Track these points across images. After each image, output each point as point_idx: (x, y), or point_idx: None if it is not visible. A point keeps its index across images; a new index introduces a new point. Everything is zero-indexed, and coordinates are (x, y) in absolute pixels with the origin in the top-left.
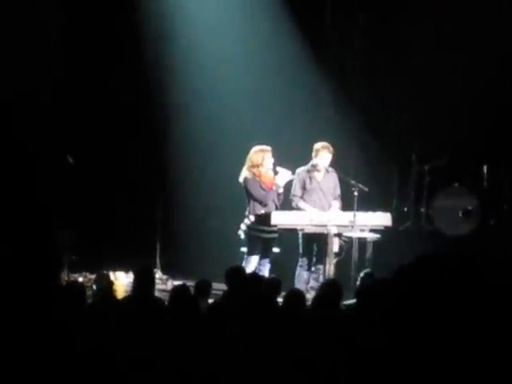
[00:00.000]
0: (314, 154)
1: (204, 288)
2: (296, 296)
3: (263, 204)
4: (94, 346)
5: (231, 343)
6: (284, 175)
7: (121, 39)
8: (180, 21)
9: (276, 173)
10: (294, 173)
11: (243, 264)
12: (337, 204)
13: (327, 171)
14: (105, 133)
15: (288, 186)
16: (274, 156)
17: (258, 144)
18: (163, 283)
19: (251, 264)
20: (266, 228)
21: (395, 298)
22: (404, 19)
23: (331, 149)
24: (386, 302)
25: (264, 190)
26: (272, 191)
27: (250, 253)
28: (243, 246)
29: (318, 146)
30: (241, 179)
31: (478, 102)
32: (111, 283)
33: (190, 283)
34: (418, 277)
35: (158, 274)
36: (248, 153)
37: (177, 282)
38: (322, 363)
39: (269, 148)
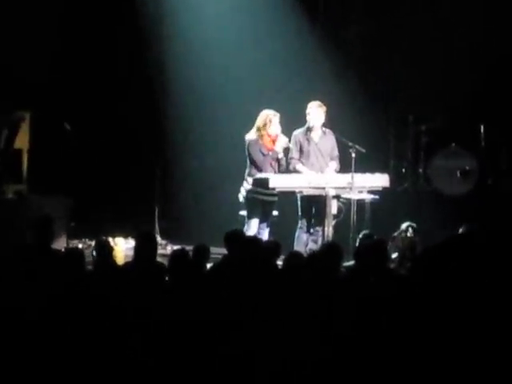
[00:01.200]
0: (307, 114)
1: (202, 252)
2: (296, 258)
3: (259, 169)
4: (94, 312)
5: (231, 306)
6: (281, 141)
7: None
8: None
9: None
10: (289, 138)
11: (245, 228)
12: (334, 165)
13: (324, 132)
14: (102, 98)
15: (287, 152)
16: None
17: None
18: (162, 248)
19: (252, 227)
20: (265, 191)
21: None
22: None
23: (324, 106)
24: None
25: (263, 153)
26: (270, 155)
27: (250, 216)
28: (242, 209)
29: (310, 105)
30: (246, 140)
31: (474, 62)
32: (111, 249)
33: (189, 248)
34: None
35: (157, 239)
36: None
37: (176, 247)
38: (322, 325)
39: (274, 113)
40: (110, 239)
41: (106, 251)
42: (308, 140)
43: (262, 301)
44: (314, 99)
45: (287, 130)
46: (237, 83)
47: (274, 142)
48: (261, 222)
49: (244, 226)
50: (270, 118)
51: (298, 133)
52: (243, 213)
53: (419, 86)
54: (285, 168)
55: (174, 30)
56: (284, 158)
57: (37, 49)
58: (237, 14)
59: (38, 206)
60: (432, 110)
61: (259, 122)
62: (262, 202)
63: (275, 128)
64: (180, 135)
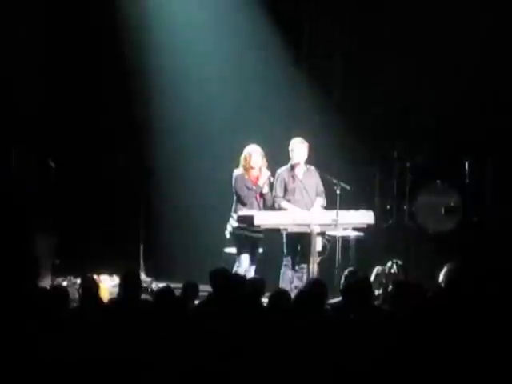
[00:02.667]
0: (290, 151)
1: (191, 290)
2: (281, 296)
3: (243, 203)
4: (78, 349)
5: (217, 344)
6: (264, 176)
7: (102, 40)
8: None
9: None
10: (274, 175)
11: (235, 264)
12: (320, 200)
13: (307, 169)
14: (86, 136)
15: (271, 187)
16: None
17: (249, 143)
18: (147, 286)
19: (243, 263)
20: (251, 228)
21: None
22: (384, 21)
23: (306, 142)
24: (371, 300)
25: (248, 188)
26: (254, 189)
27: (240, 252)
28: (228, 246)
29: (292, 142)
30: (233, 175)
31: (459, 99)
32: (97, 286)
33: (175, 285)
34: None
35: (142, 277)
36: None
37: (161, 284)
38: (308, 363)
39: (255, 146)
40: (95, 276)
41: (91, 289)
42: (292, 177)
43: (247, 338)
44: (299, 135)
45: (272, 165)
46: (223, 119)
47: (258, 177)
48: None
49: (228, 263)
50: (249, 153)
51: (282, 171)
52: (228, 250)
53: (403, 123)
54: (271, 203)
55: (159, 64)
56: (269, 193)
57: (21, 86)
58: (220, 49)
59: (22, 243)
60: (416, 146)
61: (242, 157)
62: (248, 238)
63: (257, 160)
64: (165, 172)
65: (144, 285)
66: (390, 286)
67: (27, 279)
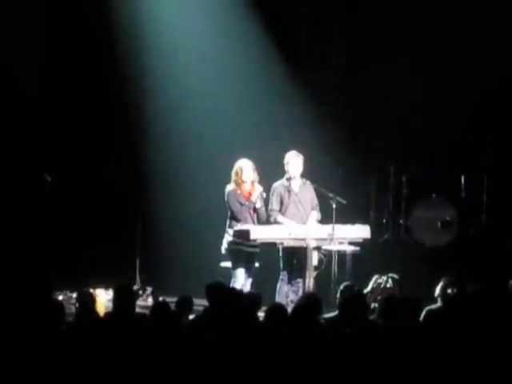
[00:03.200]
0: (285, 165)
1: (186, 304)
2: (277, 310)
3: (237, 219)
4: (75, 363)
5: (212, 359)
6: (256, 191)
7: (97, 49)
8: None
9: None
10: (269, 189)
11: (232, 279)
12: (315, 214)
13: (303, 182)
14: (82, 149)
15: (265, 201)
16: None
17: (243, 157)
18: (143, 300)
19: (239, 278)
20: (247, 242)
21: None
22: (382, 31)
23: (301, 155)
24: (367, 314)
25: (241, 203)
26: (247, 204)
27: (235, 267)
28: (223, 260)
29: (287, 155)
30: (225, 191)
31: (455, 111)
32: (94, 300)
33: (171, 299)
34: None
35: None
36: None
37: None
38: (303, 376)
39: (246, 161)
40: (91, 290)
41: (88, 303)
42: (288, 191)
43: (243, 353)
44: (294, 149)
45: (267, 179)
46: (218, 132)
47: (251, 191)
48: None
49: (224, 277)
50: (240, 167)
51: (277, 184)
52: (224, 264)
53: (399, 137)
54: (265, 218)
55: (154, 80)
56: (263, 208)
57: (16, 98)
58: (215, 59)
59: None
60: (412, 160)
61: (233, 171)
62: (244, 252)
63: (248, 174)
64: (161, 187)
65: (141, 299)
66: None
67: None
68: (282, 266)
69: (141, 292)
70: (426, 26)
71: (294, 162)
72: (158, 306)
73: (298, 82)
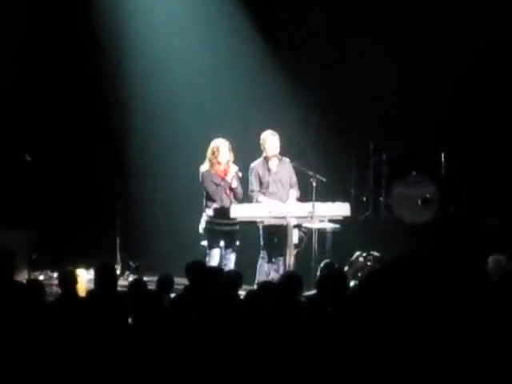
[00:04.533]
0: (261, 145)
1: (166, 283)
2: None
3: (212, 199)
4: (55, 343)
5: (192, 337)
6: (232, 171)
7: (79, 37)
8: (138, 20)
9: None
10: (247, 170)
11: (207, 258)
12: (294, 193)
13: (280, 160)
14: (62, 129)
15: (242, 180)
16: (232, 150)
17: (218, 137)
18: (124, 279)
19: (214, 258)
20: (225, 221)
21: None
22: (361, 13)
23: (276, 134)
24: (345, 292)
25: (216, 183)
26: (222, 185)
27: (211, 246)
28: (203, 239)
29: (263, 135)
30: (199, 171)
31: (435, 89)
32: (76, 279)
33: (151, 278)
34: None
35: (118, 270)
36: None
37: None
38: (281, 355)
39: (222, 140)
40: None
41: (70, 281)
42: (266, 170)
43: (224, 331)
44: (274, 127)
45: (246, 159)
46: (197, 113)
47: (225, 171)
48: (225, 252)
49: (204, 256)
50: (217, 146)
51: (255, 164)
52: (204, 243)
53: (379, 114)
54: (241, 197)
55: (133, 60)
56: (239, 187)
57: None
58: (196, 42)
59: None
60: (392, 138)
61: (209, 151)
62: (222, 232)
63: (224, 155)
64: (141, 166)
65: (121, 278)
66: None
67: (2, 273)
68: (262, 244)
69: (121, 271)
70: (406, 5)
71: (270, 141)
72: (134, 283)
73: (277, 62)
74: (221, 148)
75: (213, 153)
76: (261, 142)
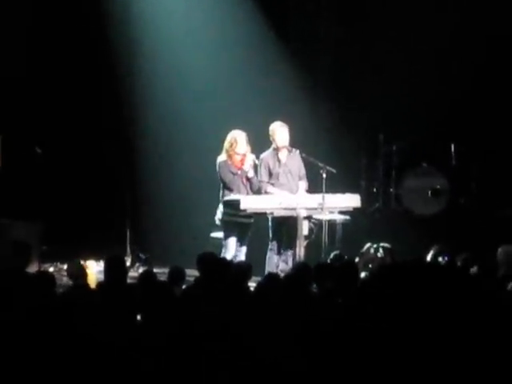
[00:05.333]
0: (271, 136)
1: (177, 275)
2: (273, 280)
3: (230, 189)
4: (65, 335)
5: (203, 328)
6: (248, 160)
7: (92, 36)
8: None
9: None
10: (258, 158)
11: (223, 249)
12: (303, 184)
13: (289, 151)
14: (72, 122)
15: (256, 170)
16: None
17: (234, 129)
18: (134, 271)
19: (230, 248)
20: (240, 213)
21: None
22: (369, 8)
23: (286, 125)
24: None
25: (233, 173)
26: (239, 174)
27: (227, 237)
28: (214, 231)
29: (272, 126)
30: (217, 162)
31: (445, 80)
32: (85, 272)
33: (162, 270)
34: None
35: (128, 262)
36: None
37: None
38: (292, 346)
39: (239, 132)
40: (81, 262)
41: (78, 274)
42: (276, 161)
43: (234, 323)
44: (284, 120)
45: (258, 151)
46: (208, 105)
47: (242, 161)
48: (238, 243)
49: (215, 247)
50: (235, 138)
51: (265, 155)
52: (215, 235)
53: (389, 106)
54: (257, 187)
55: (144, 54)
56: (255, 177)
57: (6, 71)
58: (206, 36)
59: (9, 229)
60: (402, 129)
61: (226, 143)
62: (237, 223)
63: (242, 147)
64: (152, 158)
65: (131, 270)
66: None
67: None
68: (271, 235)
69: (131, 263)
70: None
71: (280, 132)
72: (144, 274)
73: (288, 56)
74: (238, 139)
75: (231, 144)
76: (270, 133)
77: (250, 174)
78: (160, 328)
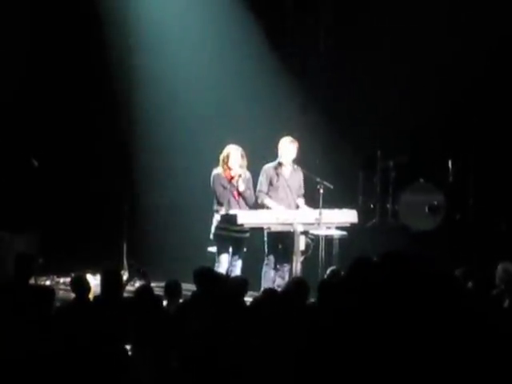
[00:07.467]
0: (279, 149)
1: (173, 289)
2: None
3: (220, 202)
4: (63, 348)
5: (199, 342)
6: (242, 176)
7: (84, 40)
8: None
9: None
10: (259, 172)
11: (216, 264)
12: (301, 202)
13: (294, 169)
14: (69, 133)
15: (254, 186)
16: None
17: (232, 143)
18: (131, 285)
19: (222, 263)
20: (235, 227)
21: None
22: (368, 18)
23: (296, 142)
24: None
25: (223, 186)
26: (229, 189)
27: (220, 252)
28: (211, 245)
29: (282, 141)
30: (211, 174)
31: (442, 97)
32: (89, 286)
33: (158, 284)
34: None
35: (125, 275)
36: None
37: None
38: (287, 361)
39: (235, 147)
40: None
41: (84, 288)
42: (278, 175)
43: (230, 337)
44: (282, 134)
45: (255, 165)
46: (206, 119)
47: (234, 176)
48: (233, 258)
49: (212, 261)
50: (227, 153)
51: (268, 167)
52: (211, 249)
53: (387, 121)
54: (252, 202)
55: (141, 63)
56: (248, 192)
57: (3, 82)
58: (203, 47)
59: (5, 242)
60: (400, 145)
61: (221, 156)
62: (231, 238)
63: (234, 161)
64: (148, 171)
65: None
66: None
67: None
68: (266, 250)
69: (128, 277)
70: (412, 10)
71: (287, 148)
72: (141, 289)
73: (286, 68)
74: (231, 155)
75: (223, 159)
76: (279, 146)
77: (241, 188)
78: (155, 343)
